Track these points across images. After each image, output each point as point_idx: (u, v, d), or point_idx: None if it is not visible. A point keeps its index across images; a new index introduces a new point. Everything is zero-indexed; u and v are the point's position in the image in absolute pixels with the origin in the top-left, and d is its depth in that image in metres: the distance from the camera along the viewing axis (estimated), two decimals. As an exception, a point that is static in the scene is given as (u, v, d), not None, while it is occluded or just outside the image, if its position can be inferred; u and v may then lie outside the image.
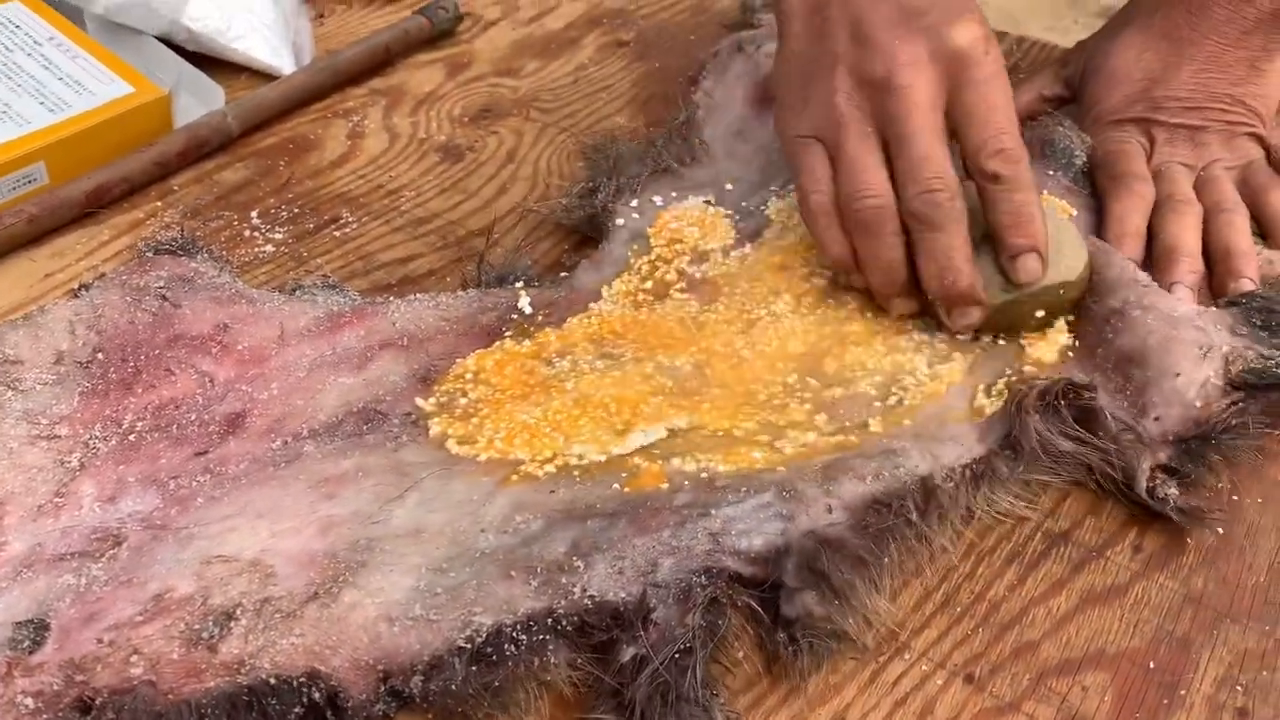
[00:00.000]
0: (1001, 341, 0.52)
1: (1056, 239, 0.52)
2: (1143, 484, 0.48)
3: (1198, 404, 0.48)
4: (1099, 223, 0.60)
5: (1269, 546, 0.47)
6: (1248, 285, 0.56)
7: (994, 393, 0.49)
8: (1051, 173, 0.62)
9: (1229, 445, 0.49)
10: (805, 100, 0.52)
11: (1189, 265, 0.57)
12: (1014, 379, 0.50)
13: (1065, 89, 0.69)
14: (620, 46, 0.81)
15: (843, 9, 0.52)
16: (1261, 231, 0.60)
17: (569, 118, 0.73)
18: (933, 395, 0.49)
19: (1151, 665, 0.42)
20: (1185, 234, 0.58)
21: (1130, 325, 0.51)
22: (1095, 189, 0.62)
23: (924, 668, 0.42)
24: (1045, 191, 0.60)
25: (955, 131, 0.51)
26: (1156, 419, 0.48)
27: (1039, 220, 0.50)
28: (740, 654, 0.42)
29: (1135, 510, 0.48)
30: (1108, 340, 0.51)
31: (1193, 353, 0.50)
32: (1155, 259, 0.58)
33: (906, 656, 0.42)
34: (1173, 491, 0.47)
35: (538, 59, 0.80)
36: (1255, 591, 0.45)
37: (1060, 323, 0.53)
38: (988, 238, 0.51)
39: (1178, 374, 0.49)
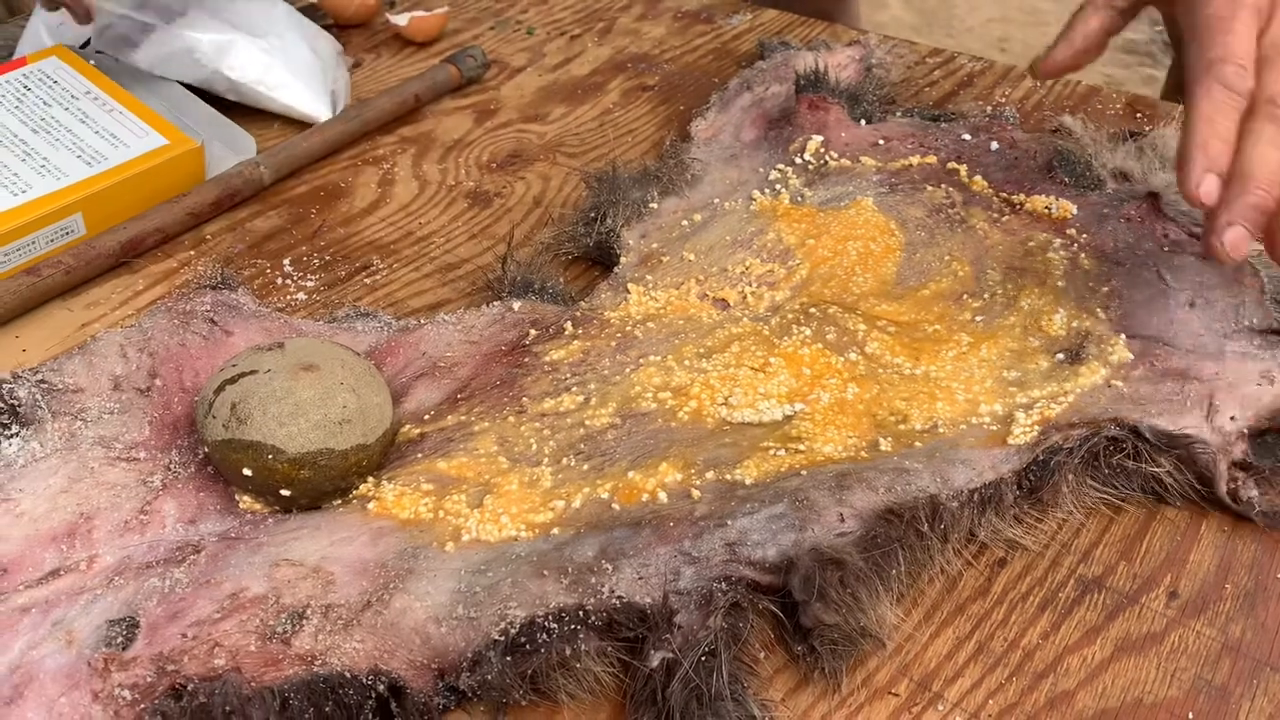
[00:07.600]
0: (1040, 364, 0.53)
1: (295, 398, 0.45)
2: (1223, 488, 0.49)
3: (1267, 399, 0.50)
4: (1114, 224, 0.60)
5: (1308, 592, 0.46)
6: None
7: (1028, 421, 0.48)
8: (1060, 182, 0.65)
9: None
10: None
11: (1258, 201, 0.47)
12: (1051, 408, 0.50)
13: None
14: (644, 91, 0.82)
15: None
16: None
17: (595, 162, 0.74)
18: (954, 420, 0.51)
19: (1190, 716, 0.41)
20: (1270, 155, 0.47)
21: (1174, 355, 0.53)
22: (1183, 77, 0.51)
23: (958, 718, 0.41)
24: (1056, 198, 0.63)
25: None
26: (1233, 418, 0.50)
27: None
28: (763, 654, 0.44)
29: (1171, 554, 0.47)
30: (1155, 361, 0.53)
31: (1254, 376, 0.51)
32: (1228, 177, 0.48)
33: (940, 707, 0.42)
34: (1254, 493, 0.47)
35: (564, 104, 0.80)
36: (1296, 639, 0.44)
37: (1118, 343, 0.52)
38: None
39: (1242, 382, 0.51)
